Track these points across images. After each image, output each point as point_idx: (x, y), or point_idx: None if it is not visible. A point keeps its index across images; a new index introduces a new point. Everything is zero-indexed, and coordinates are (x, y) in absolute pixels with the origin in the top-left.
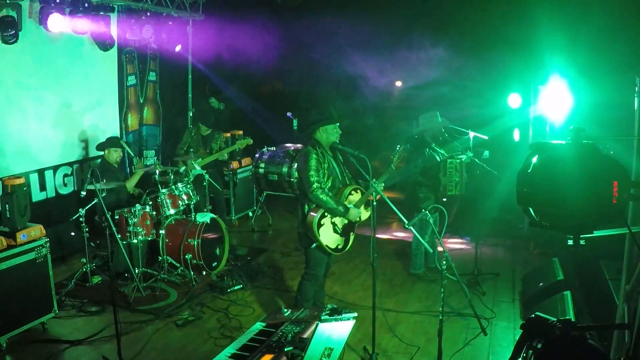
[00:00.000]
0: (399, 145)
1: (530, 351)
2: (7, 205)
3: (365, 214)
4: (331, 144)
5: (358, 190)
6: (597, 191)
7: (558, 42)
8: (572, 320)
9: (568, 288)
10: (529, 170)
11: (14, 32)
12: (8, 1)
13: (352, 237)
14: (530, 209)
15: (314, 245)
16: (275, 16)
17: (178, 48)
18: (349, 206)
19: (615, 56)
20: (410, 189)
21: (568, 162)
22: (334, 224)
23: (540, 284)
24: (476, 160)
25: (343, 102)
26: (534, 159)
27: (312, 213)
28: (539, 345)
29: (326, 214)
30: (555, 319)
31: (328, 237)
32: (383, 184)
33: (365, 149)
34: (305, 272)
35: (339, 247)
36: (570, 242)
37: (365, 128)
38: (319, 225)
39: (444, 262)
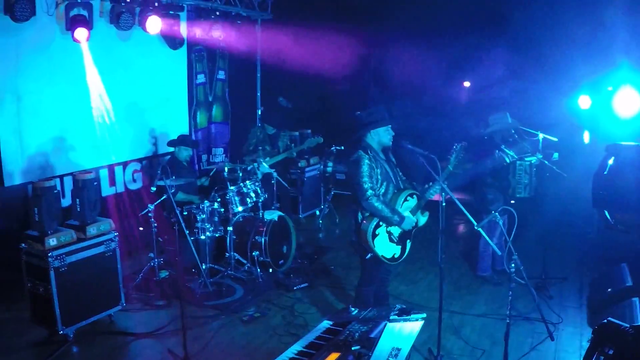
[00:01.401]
0: (456, 144)
1: (602, 357)
2: (77, 200)
3: (422, 220)
4: (384, 147)
5: (414, 196)
6: None
7: (629, 43)
8: None
9: (637, 295)
10: (605, 172)
11: (85, 30)
12: (79, 0)
13: (409, 245)
14: (606, 212)
15: (369, 255)
16: (344, 16)
17: None
18: (404, 214)
19: None
20: (479, 191)
21: None
22: (389, 232)
23: (609, 290)
24: (545, 162)
25: (400, 103)
26: (610, 161)
27: (365, 222)
28: (610, 352)
29: (381, 223)
30: (629, 325)
31: (383, 247)
32: (438, 189)
33: (433, 150)
34: (362, 275)
35: (395, 256)
36: None
37: (433, 129)
38: (374, 235)
39: (513, 265)
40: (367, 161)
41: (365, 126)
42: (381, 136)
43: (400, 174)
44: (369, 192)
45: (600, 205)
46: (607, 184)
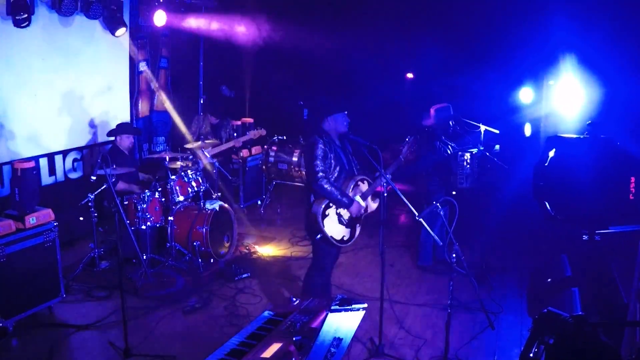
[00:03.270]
0: (408, 137)
1: (542, 346)
2: (16, 189)
3: (373, 205)
4: (340, 134)
5: (365, 182)
6: (613, 187)
7: (570, 36)
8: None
9: (576, 284)
10: (545, 164)
11: (26, 15)
12: None
13: (358, 229)
14: (546, 203)
15: (319, 236)
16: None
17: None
18: (354, 198)
19: (628, 50)
20: (421, 182)
21: (585, 157)
22: (339, 214)
23: (549, 280)
24: (487, 153)
25: (351, 93)
26: (551, 153)
27: (316, 203)
28: (551, 341)
29: (331, 204)
30: (568, 315)
31: (333, 228)
32: (390, 175)
33: (376, 141)
34: (313, 263)
35: (345, 238)
36: (585, 237)
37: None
38: (324, 215)
39: (454, 255)
40: (321, 145)
41: (322, 113)
42: (338, 123)
43: (355, 162)
44: (320, 174)
45: (541, 196)
46: (547, 175)
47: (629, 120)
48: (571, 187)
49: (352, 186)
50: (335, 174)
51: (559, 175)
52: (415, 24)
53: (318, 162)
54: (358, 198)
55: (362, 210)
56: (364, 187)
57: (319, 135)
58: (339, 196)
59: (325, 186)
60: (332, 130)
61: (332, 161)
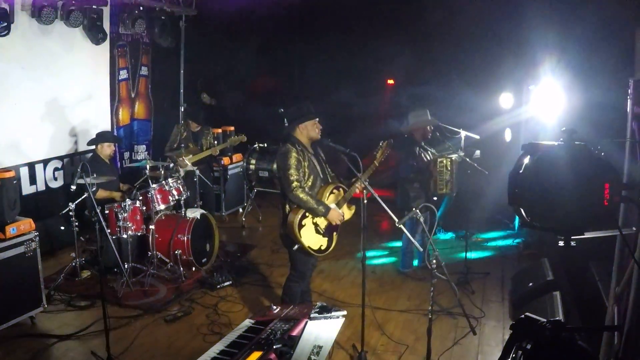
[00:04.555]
0: (382, 141)
1: (520, 352)
2: None
3: (348, 213)
4: (313, 141)
5: (340, 189)
6: (588, 193)
7: (550, 41)
8: (562, 321)
9: (557, 289)
10: (520, 171)
11: (5, 24)
12: None
13: (335, 238)
14: (522, 210)
15: (296, 247)
16: (271, 14)
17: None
18: (330, 206)
19: (608, 56)
20: (401, 188)
21: (560, 164)
22: (315, 224)
23: (530, 284)
24: (467, 159)
25: (330, 97)
26: (526, 160)
27: (292, 213)
28: (528, 346)
29: (307, 214)
30: (545, 320)
31: (310, 238)
32: (367, 181)
33: (355, 147)
34: (291, 272)
35: (322, 248)
36: (561, 243)
37: (354, 125)
38: (300, 226)
39: (434, 261)
40: (294, 154)
41: (293, 121)
42: (309, 130)
43: (329, 169)
44: (295, 183)
45: (516, 203)
46: (522, 182)
47: (608, 126)
48: (546, 194)
49: (327, 194)
50: (310, 182)
51: (533, 182)
52: (394, 31)
53: (292, 171)
54: (334, 206)
55: (341, 217)
56: (340, 194)
57: (291, 143)
58: (316, 205)
59: (301, 195)
60: (304, 137)
61: (306, 169)
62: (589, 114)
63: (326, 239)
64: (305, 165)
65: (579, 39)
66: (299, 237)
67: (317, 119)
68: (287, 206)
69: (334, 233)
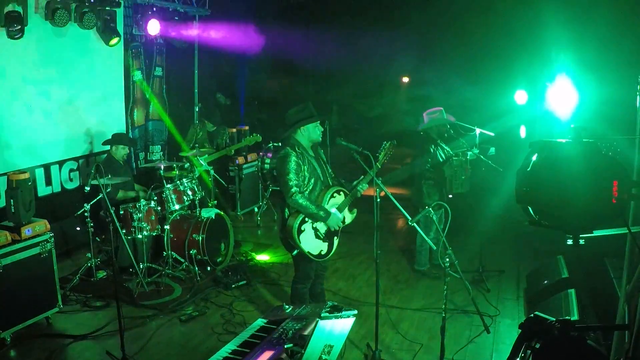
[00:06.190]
0: (385, 142)
1: (529, 351)
2: (12, 200)
3: (349, 217)
4: (315, 143)
5: (341, 192)
6: (596, 191)
7: (565, 38)
8: (573, 319)
9: (573, 286)
10: (528, 169)
11: (19, 27)
12: None
13: (336, 242)
14: (530, 208)
15: (295, 252)
16: (283, 12)
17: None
18: (330, 211)
19: (622, 53)
20: (416, 186)
21: (568, 161)
22: (315, 229)
23: (545, 282)
24: (482, 157)
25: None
26: (534, 158)
27: (291, 218)
28: (537, 345)
29: (306, 219)
30: (555, 319)
31: (309, 243)
32: (367, 185)
33: (369, 146)
34: (296, 273)
35: (322, 253)
36: (569, 241)
37: (369, 124)
38: (300, 231)
39: (447, 260)
40: (294, 158)
41: (294, 123)
42: (311, 132)
43: (330, 171)
44: (294, 189)
45: (524, 202)
46: (530, 180)
47: (624, 122)
48: (554, 192)
49: (328, 198)
50: (310, 186)
51: (542, 180)
52: (411, 28)
53: (291, 176)
54: (334, 210)
55: (341, 223)
56: (340, 198)
57: (291, 147)
58: (315, 210)
59: (300, 201)
60: (305, 140)
61: (306, 173)
62: (603, 110)
63: (326, 244)
64: (305, 169)
65: (593, 35)
66: (298, 242)
67: (319, 122)
68: (287, 210)
69: (335, 238)
